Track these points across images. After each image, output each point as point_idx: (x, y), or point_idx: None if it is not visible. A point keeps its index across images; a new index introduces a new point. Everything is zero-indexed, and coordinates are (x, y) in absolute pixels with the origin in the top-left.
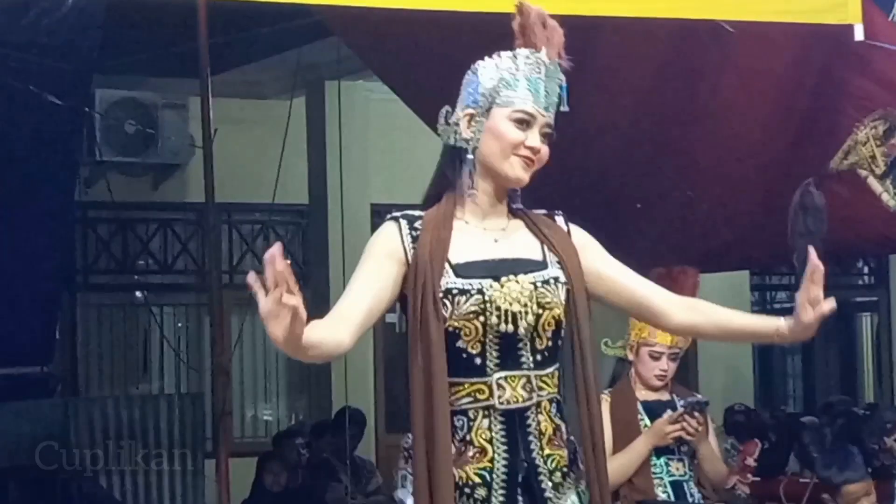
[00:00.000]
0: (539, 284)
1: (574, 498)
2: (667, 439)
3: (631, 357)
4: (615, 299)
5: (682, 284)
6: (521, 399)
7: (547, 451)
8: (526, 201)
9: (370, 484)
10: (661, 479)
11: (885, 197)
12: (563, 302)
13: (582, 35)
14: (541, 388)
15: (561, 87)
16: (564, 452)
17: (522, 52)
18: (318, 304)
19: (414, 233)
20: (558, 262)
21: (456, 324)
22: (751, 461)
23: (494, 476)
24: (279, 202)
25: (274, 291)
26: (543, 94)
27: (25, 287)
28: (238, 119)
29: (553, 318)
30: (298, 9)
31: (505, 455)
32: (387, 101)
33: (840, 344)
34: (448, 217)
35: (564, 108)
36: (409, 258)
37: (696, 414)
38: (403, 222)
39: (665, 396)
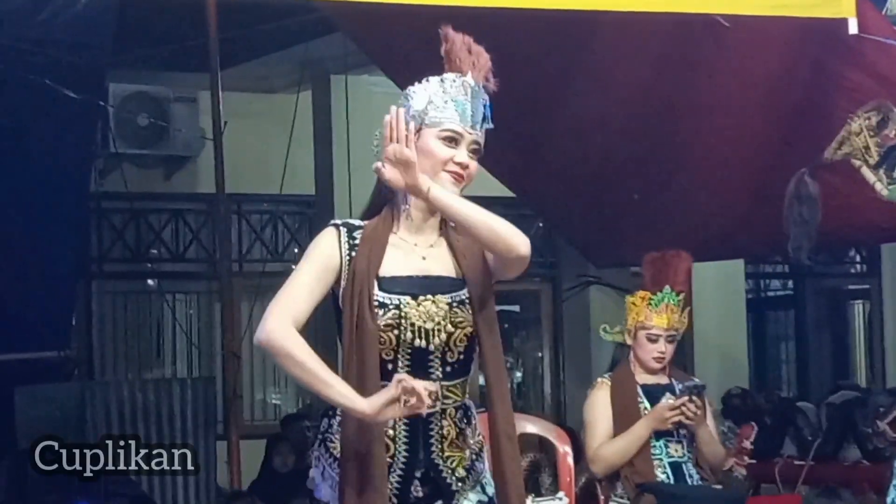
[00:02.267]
0: (455, 304)
1: (479, 488)
2: (666, 423)
3: (629, 341)
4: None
5: (675, 267)
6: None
7: (447, 453)
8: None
9: None
10: (661, 460)
11: (878, 186)
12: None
13: (579, 29)
14: (447, 397)
15: (485, 106)
16: (466, 453)
17: (449, 76)
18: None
19: (352, 241)
20: (468, 280)
21: (376, 333)
22: (747, 444)
23: (393, 470)
24: (287, 193)
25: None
26: (469, 114)
27: (43, 274)
28: (247, 112)
29: (465, 335)
30: (305, 5)
31: (405, 453)
32: (390, 94)
33: (833, 330)
34: (385, 231)
35: (489, 126)
36: (344, 265)
37: (695, 398)
38: (343, 230)
39: (664, 380)
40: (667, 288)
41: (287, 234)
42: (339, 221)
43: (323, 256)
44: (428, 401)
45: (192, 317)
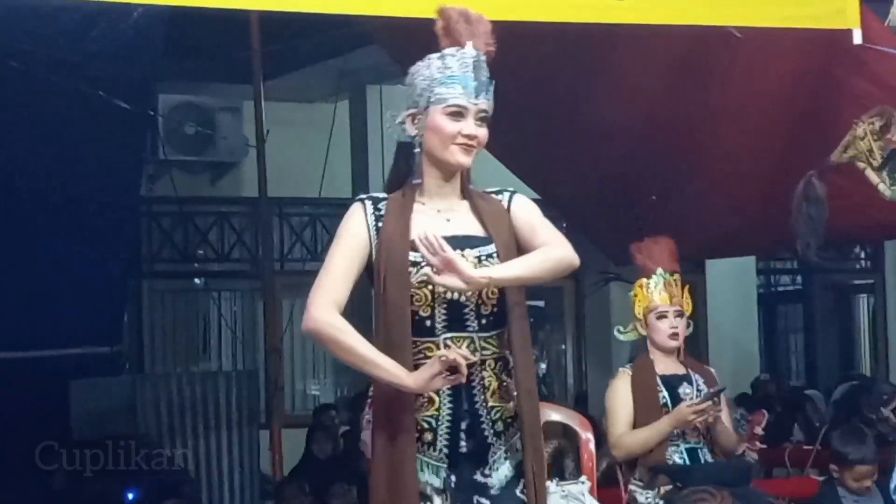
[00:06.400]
0: (483, 258)
1: (512, 444)
2: (689, 424)
3: (643, 331)
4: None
5: (658, 251)
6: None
7: (491, 404)
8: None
9: None
10: (678, 446)
11: (881, 187)
12: None
13: (600, 41)
14: (484, 349)
15: (488, 75)
16: (510, 405)
17: (449, 51)
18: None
19: (378, 212)
20: (494, 237)
21: (409, 290)
22: (759, 430)
23: (440, 423)
24: (325, 196)
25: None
26: (473, 85)
27: (96, 274)
28: (288, 121)
29: (497, 287)
30: (343, 19)
31: (450, 405)
32: None
33: (839, 323)
34: (409, 199)
35: (489, 98)
36: (373, 236)
37: (715, 399)
38: (368, 203)
39: (681, 370)
40: (659, 269)
41: (326, 235)
42: (364, 196)
43: (353, 234)
44: (465, 371)
45: (236, 313)
